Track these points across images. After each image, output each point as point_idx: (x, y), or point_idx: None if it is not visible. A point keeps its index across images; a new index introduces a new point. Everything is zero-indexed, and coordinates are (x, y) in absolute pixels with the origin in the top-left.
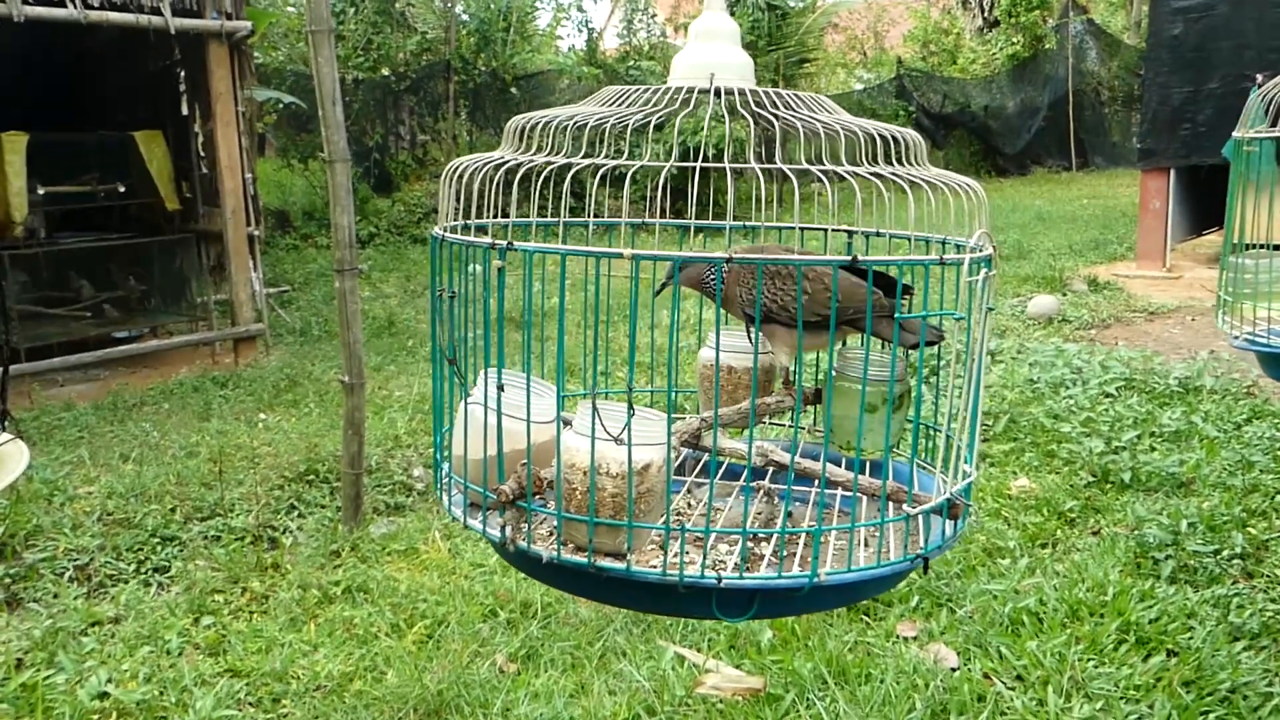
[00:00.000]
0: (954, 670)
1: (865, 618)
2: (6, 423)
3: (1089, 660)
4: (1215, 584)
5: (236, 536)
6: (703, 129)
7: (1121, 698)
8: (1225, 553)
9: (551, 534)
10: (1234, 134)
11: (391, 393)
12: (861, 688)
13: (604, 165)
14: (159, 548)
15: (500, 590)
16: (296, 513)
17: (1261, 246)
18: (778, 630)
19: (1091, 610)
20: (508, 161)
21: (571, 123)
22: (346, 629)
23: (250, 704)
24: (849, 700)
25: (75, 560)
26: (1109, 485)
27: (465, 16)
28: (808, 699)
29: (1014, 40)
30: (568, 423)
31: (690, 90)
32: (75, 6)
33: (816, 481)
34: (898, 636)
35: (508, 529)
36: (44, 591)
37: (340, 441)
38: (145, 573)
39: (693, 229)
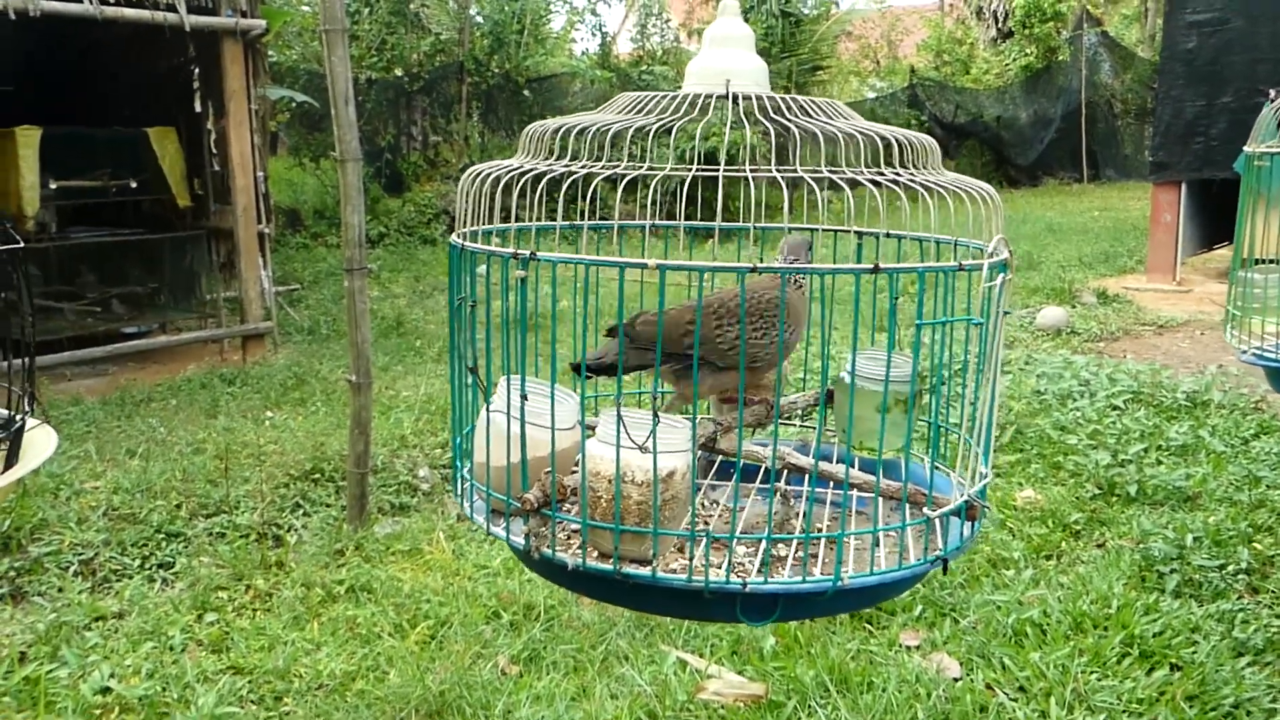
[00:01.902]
0: (956, 680)
1: (868, 626)
2: (34, 408)
3: (1092, 673)
4: (1220, 599)
5: (241, 534)
6: (717, 134)
7: (1124, 711)
8: (1230, 567)
9: (573, 538)
10: (1245, 148)
11: (398, 393)
12: (863, 696)
13: (626, 174)
14: (164, 544)
15: (503, 592)
16: (301, 511)
17: (1271, 261)
18: (780, 637)
19: (1095, 623)
20: (526, 169)
21: (590, 130)
22: (349, 628)
23: (252, 701)
24: (851, 708)
25: (80, 555)
26: (1115, 498)
27: (479, 18)
28: (809, 706)
29: (1027, 51)
30: (591, 429)
31: (706, 96)
32: (90, 2)
33: (831, 483)
34: (900, 645)
35: (532, 537)
36: (48, 585)
37: (346, 441)
38: (150, 568)
39: (718, 233)
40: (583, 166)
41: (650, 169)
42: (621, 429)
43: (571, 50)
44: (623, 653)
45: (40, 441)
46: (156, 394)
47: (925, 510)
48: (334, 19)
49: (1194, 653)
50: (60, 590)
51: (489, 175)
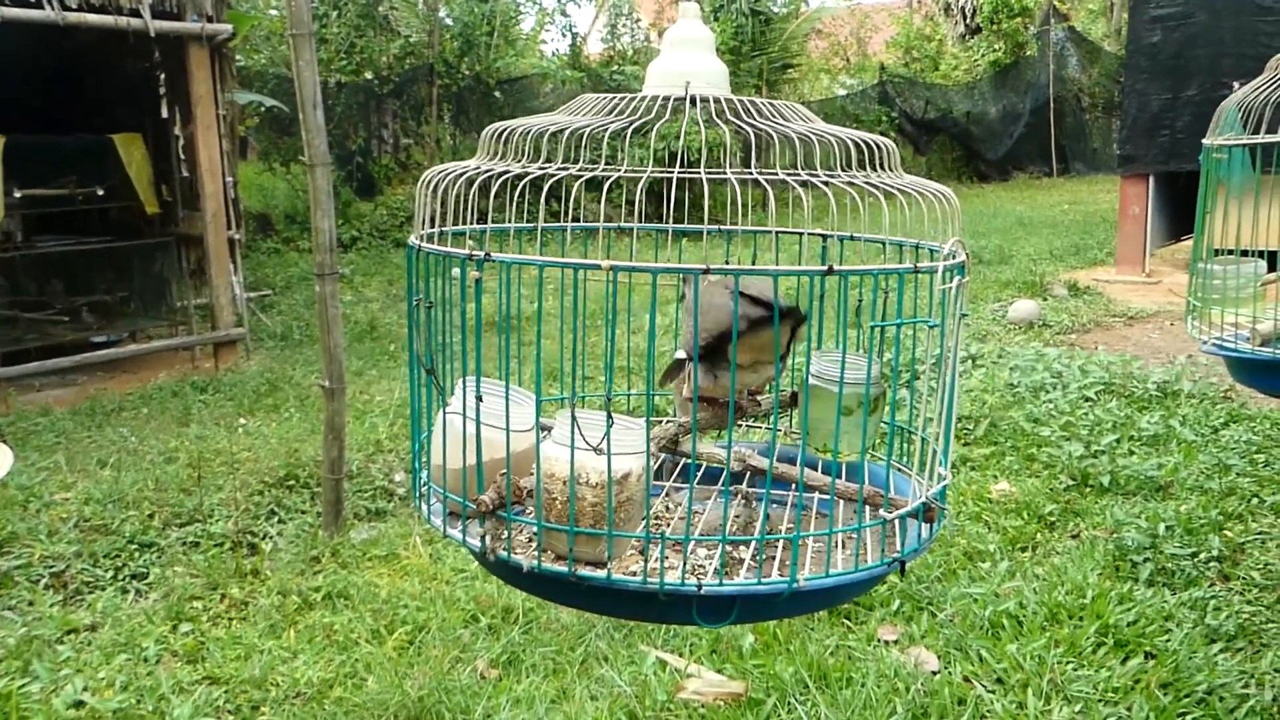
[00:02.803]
0: (935, 674)
1: (846, 621)
2: None
3: (1068, 663)
4: (1193, 586)
5: (215, 543)
6: (683, 135)
7: (1100, 700)
8: (1202, 555)
9: (531, 541)
10: (1204, 141)
11: (373, 398)
12: (842, 692)
13: (582, 174)
14: (137, 554)
15: (481, 596)
16: (276, 518)
17: (1230, 252)
18: (759, 635)
19: (1071, 613)
20: (485, 170)
21: (549, 130)
22: (326, 635)
23: (229, 712)
24: (830, 704)
25: (51, 567)
26: (1088, 489)
27: (449, 20)
28: (789, 703)
29: (996, 47)
30: (547, 431)
31: (666, 98)
32: (53, 8)
33: (795, 485)
34: (879, 640)
35: (487, 539)
36: (19, 599)
37: (321, 447)
38: (123, 580)
39: (670, 234)
40: (540, 166)
41: (604, 170)
42: (576, 430)
43: (542, 51)
44: (602, 654)
45: None
46: (127, 403)
47: (882, 512)
48: (300, 23)
49: (1167, 640)
50: (31, 604)
51: (447, 177)
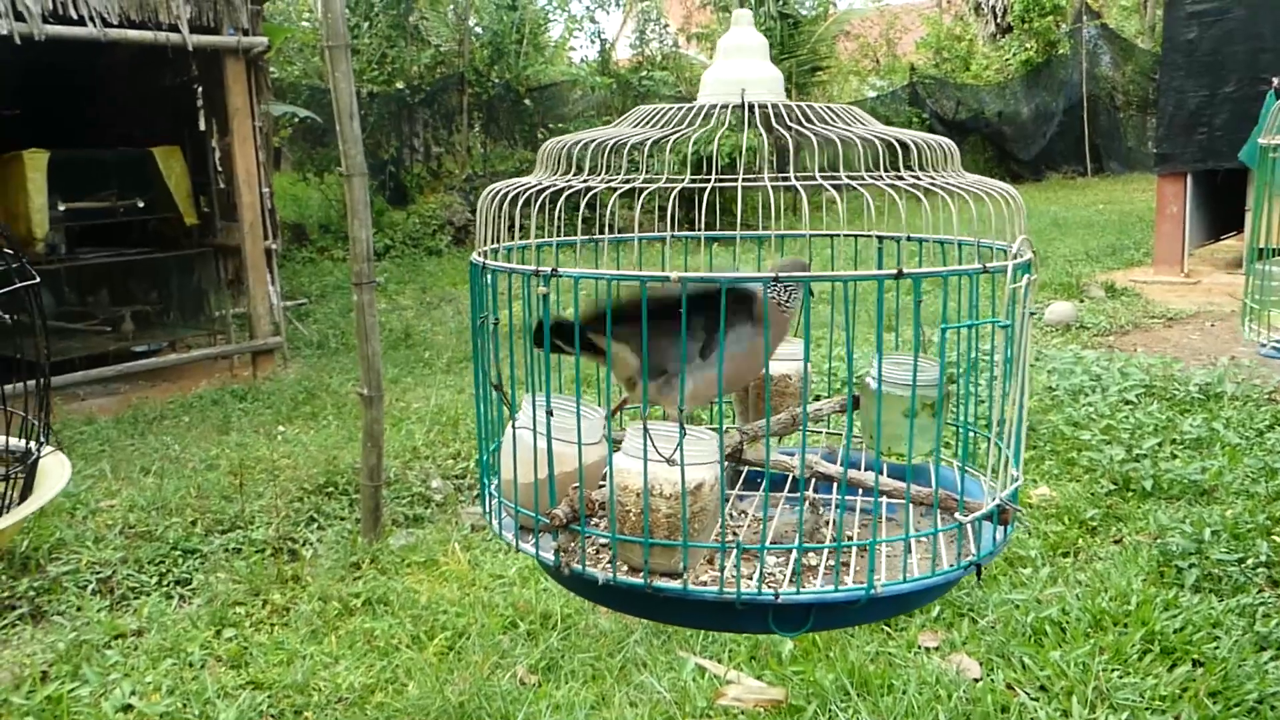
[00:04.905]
0: (977, 681)
1: (886, 628)
2: (49, 435)
3: (1113, 670)
4: (1240, 593)
5: (257, 549)
6: (729, 138)
7: (1147, 708)
8: (1250, 561)
9: (601, 552)
10: (1259, 140)
11: (409, 404)
12: (884, 699)
13: (645, 188)
14: (180, 560)
15: (520, 602)
16: (316, 525)
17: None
18: (799, 641)
19: (1115, 620)
20: (545, 186)
21: (609, 145)
22: (367, 641)
23: (272, 716)
24: (871, 712)
25: (98, 573)
26: (1130, 493)
27: (478, 29)
28: (830, 710)
29: (1027, 46)
30: (616, 443)
31: (722, 106)
32: (95, 25)
33: (860, 490)
34: (919, 647)
35: (561, 553)
36: (67, 604)
37: (359, 454)
38: (167, 585)
39: (740, 240)
40: (601, 181)
41: (669, 181)
42: (648, 442)
43: (570, 58)
44: (641, 660)
45: (53, 470)
46: (169, 411)
47: (957, 515)
48: (337, 35)
49: (1216, 648)
50: (79, 609)
51: (508, 193)
